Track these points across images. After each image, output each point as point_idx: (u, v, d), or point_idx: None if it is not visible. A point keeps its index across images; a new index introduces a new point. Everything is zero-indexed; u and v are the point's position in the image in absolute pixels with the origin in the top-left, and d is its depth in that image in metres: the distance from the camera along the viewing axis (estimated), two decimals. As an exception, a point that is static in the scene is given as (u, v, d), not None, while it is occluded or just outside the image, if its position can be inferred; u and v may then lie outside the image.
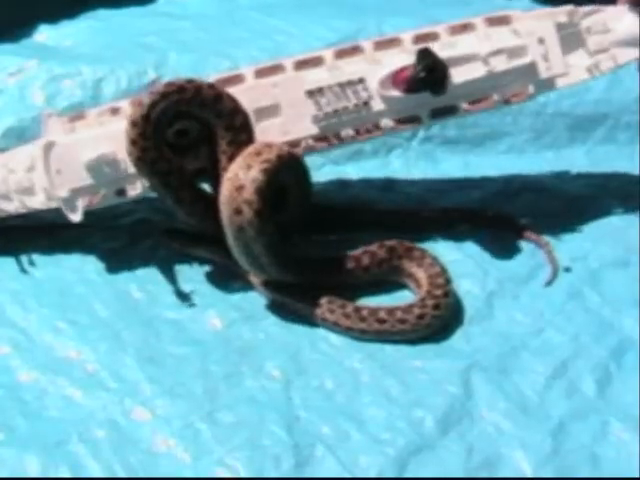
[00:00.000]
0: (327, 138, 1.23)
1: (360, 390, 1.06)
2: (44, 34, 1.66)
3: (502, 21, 1.25)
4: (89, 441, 1.00)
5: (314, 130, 1.22)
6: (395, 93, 1.21)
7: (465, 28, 1.24)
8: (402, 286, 1.21)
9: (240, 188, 1.10)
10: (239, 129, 1.16)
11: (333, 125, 1.23)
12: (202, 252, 1.20)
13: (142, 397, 1.05)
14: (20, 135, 1.38)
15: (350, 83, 1.22)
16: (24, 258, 1.23)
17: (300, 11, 1.76)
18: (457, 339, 1.13)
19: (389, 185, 1.40)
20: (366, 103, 1.22)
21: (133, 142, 1.13)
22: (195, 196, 1.17)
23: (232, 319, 1.16)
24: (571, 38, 1.26)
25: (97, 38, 1.65)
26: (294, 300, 1.16)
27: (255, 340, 1.13)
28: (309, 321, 1.15)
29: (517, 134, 1.49)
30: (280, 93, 1.21)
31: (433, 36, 1.24)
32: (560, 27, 1.25)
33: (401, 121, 1.24)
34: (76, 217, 1.17)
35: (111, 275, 1.22)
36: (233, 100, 1.17)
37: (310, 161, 1.23)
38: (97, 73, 1.47)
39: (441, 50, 1.20)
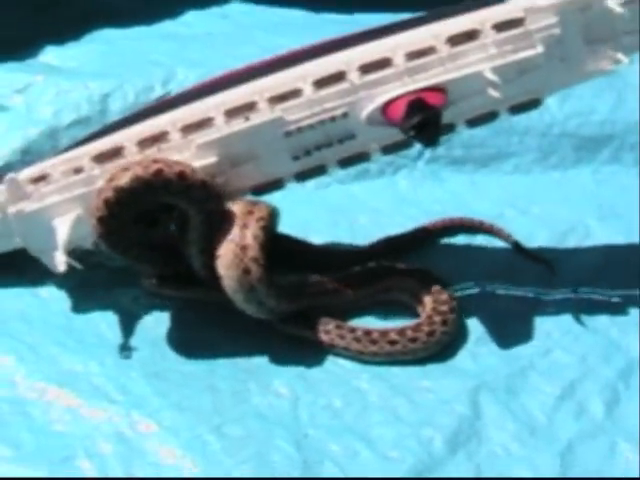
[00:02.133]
0: (310, 172, 1.15)
1: (368, 409, 1.06)
2: (49, 54, 1.66)
3: (513, 25, 1.11)
4: (96, 455, 0.99)
5: (295, 168, 1.14)
6: (384, 127, 1.11)
7: (470, 37, 1.11)
8: (393, 306, 1.20)
9: (244, 248, 1.08)
10: (211, 212, 1.10)
11: (315, 159, 1.14)
12: (195, 294, 1.18)
13: (149, 410, 1.04)
14: (26, 151, 1.37)
15: (333, 119, 1.11)
16: (29, 277, 1.21)
17: (307, 31, 1.76)
18: (464, 359, 1.13)
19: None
20: (352, 136, 1.12)
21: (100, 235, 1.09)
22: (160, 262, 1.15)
23: (239, 338, 1.15)
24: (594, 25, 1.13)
25: (103, 56, 1.65)
26: (301, 330, 1.15)
27: (262, 358, 1.12)
28: (316, 343, 1.14)
29: (523, 154, 1.48)
30: (255, 138, 1.11)
31: (429, 51, 1.11)
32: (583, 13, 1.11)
33: (390, 148, 1.16)
34: (60, 267, 1.12)
35: (117, 295, 1.21)
36: (204, 187, 1.08)
37: (316, 179, 1.23)
38: (104, 88, 1.47)
39: (437, 75, 1.10)
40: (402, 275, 1.20)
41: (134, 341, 1.14)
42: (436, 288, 1.17)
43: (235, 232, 1.09)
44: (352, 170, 1.40)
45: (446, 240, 1.33)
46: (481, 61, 1.10)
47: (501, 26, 1.11)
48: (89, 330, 1.15)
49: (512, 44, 1.10)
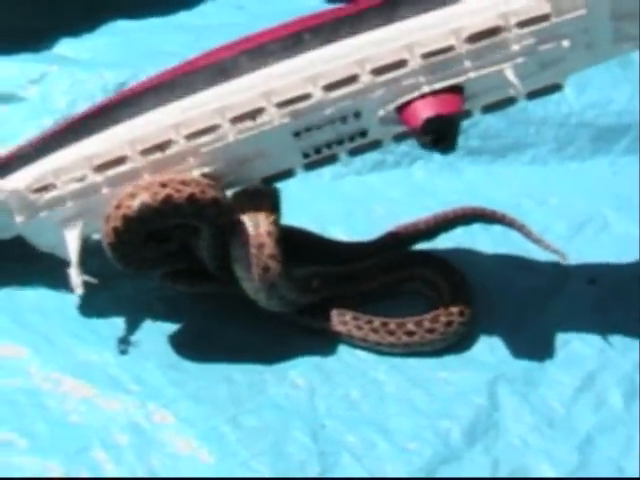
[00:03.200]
0: (320, 162, 1.12)
1: (385, 400, 1.05)
2: (64, 46, 1.66)
3: (538, 20, 1.05)
4: (111, 446, 0.99)
5: (304, 161, 1.10)
6: (399, 128, 1.08)
7: (492, 33, 1.05)
8: (411, 297, 1.20)
9: (261, 247, 1.07)
10: (223, 224, 1.08)
11: (325, 154, 1.10)
12: (210, 288, 1.17)
13: (164, 400, 1.04)
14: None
15: (344, 119, 1.07)
16: (44, 268, 1.20)
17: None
18: (482, 350, 1.12)
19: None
20: (364, 133, 1.09)
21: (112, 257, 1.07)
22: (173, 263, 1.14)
23: (255, 329, 1.14)
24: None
25: (118, 47, 1.65)
26: (318, 321, 1.14)
27: (279, 349, 1.12)
28: (333, 335, 1.14)
29: (540, 145, 1.48)
30: (263, 141, 1.07)
31: (448, 50, 1.05)
32: None
33: (402, 136, 1.11)
34: (78, 290, 1.10)
35: (132, 286, 1.20)
36: (215, 205, 1.06)
37: (332, 170, 1.22)
38: (119, 78, 1.47)
39: (455, 75, 1.05)
40: (420, 265, 1.20)
41: (149, 332, 1.14)
42: (454, 279, 1.17)
43: (248, 232, 1.08)
44: (368, 161, 1.40)
45: (460, 230, 1.33)
46: (503, 60, 1.06)
47: (526, 22, 1.05)
48: (104, 321, 1.15)
49: (536, 40, 1.05)
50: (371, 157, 1.33)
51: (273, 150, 1.09)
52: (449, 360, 1.11)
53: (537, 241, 1.29)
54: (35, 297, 1.18)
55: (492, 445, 1.00)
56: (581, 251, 1.28)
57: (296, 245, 1.19)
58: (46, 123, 1.40)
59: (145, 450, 0.99)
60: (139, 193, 1.04)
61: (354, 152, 1.11)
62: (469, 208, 1.32)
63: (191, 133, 1.07)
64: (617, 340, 1.13)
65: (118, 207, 1.04)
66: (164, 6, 1.79)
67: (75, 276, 1.10)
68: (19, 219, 1.11)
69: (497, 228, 1.34)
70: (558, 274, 1.24)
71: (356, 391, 1.06)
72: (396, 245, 1.28)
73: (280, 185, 1.13)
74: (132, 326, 1.13)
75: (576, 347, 1.12)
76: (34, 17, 1.72)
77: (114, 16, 1.78)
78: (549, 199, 1.40)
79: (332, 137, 1.09)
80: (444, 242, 1.29)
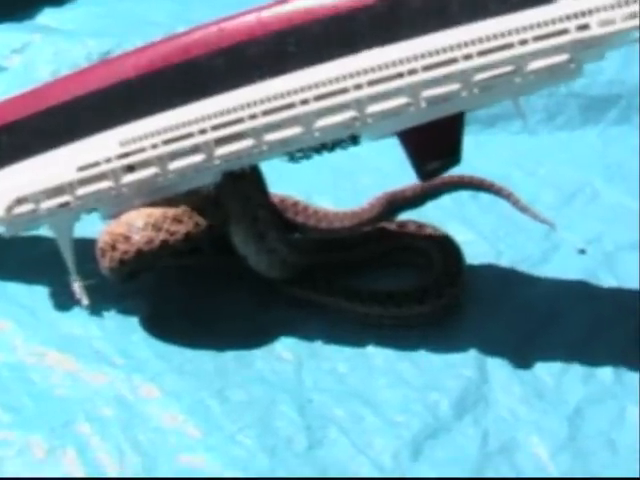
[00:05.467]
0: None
1: (373, 373, 1.04)
2: (47, 16, 1.66)
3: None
4: (96, 420, 0.98)
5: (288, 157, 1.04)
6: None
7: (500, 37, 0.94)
8: (402, 267, 1.19)
9: (247, 199, 1.08)
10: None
11: (311, 153, 1.04)
12: (197, 260, 1.16)
13: (150, 374, 1.03)
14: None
15: (338, 141, 1.02)
16: (29, 240, 1.19)
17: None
18: (471, 322, 1.11)
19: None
20: (356, 142, 1.03)
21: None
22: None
23: (242, 302, 1.13)
24: None
25: (102, 18, 1.65)
26: (306, 292, 1.13)
27: (266, 323, 1.11)
28: (321, 306, 1.13)
29: (530, 115, 1.46)
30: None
31: (449, 62, 0.95)
32: None
33: None
34: (85, 302, 1.08)
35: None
36: (211, 230, 1.06)
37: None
38: (103, 47, 1.47)
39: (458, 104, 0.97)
40: (413, 236, 1.19)
41: (135, 305, 1.12)
42: (446, 249, 1.16)
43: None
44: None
45: (448, 199, 1.32)
46: (510, 81, 0.96)
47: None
48: (89, 294, 1.12)
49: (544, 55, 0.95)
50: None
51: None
52: (438, 332, 1.09)
53: (524, 209, 1.29)
54: (18, 270, 1.17)
55: (481, 417, 1.00)
56: (571, 221, 1.28)
57: (284, 212, 1.20)
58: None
59: (131, 424, 0.98)
60: (133, 239, 1.04)
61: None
62: (456, 176, 1.32)
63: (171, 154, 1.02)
64: (607, 311, 1.13)
65: (113, 248, 1.05)
66: (150, -25, 1.78)
67: (76, 285, 1.09)
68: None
69: (485, 197, 1.34)
70: (548, 244, 1.24)
71: (343, 364, 1.05)
72: (383, 212, 1.28)
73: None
74: (117, 299, 1.12)
75: (565, 318, 1.12)
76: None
77: (98, -15, 1.76)
78: (538, 169, 1.39)
79: (322, 147, 1.04)
80: (432, 211, 1.29)
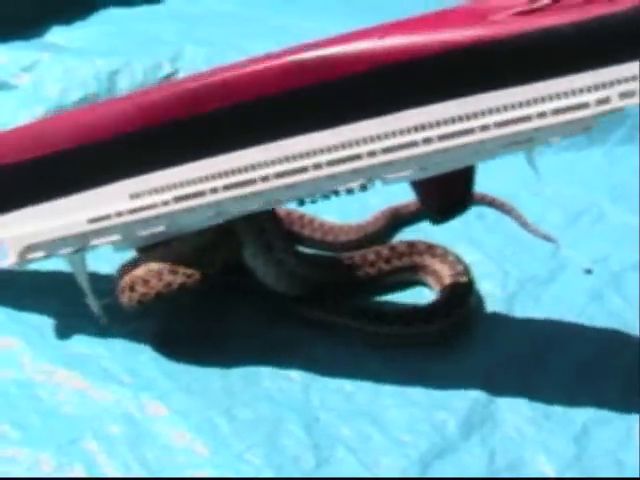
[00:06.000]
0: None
1: (380, 392, 1.04)
2: (56, 34, 1.67)
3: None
4: (104, 437, 0.98)
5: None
6: None
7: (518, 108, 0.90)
8: (410, 286, 1.20)
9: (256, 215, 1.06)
10: None
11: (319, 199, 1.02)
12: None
13: (158, 392, 1.03)
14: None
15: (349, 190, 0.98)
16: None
17: (315, 10, 1.77)
18: (478, 341, 1.12)
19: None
20: (364, 187, 0.98)
21: None
22: None
23: (250, 321, 1.14)
24: None
25: (110, 36, 1.66)
26: (314, 311, 1.14)
27: (273, 342, 1.11)
28: (328, 325, 1.13)
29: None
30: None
31: (465, 132, 0.92)
32: None
33: None
34: (104, 321, 1.10)
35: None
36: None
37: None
38: (112, 65, 1.47)
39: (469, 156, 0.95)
40: (422, 255, 1.19)
41: (142, 324, 1.12)
42: (455, 268, 1.16)
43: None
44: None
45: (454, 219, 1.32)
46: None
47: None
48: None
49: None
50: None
51: None
52: (445, 351, 1.10)
53: (525, 225, 1.29)
54: (28, 289, 1.17)
55: (488, 437, 1.00)
56: (577, 241, 1.28)
57: (290, 224, 1.21)
58: (38, 111, 1.39)
59: (138, 442, 0.98)
60: (151, 281, 1.05)
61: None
62: None
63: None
64: (614, 330, 1.12)
65: (132, 289, 1.06)
66: (157, -7, 1.79)
67: (94, 306, 1.09)
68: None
69: (491, 217, 1.34)
70: (554, 264, 1.24)
71: (350, 383, 1.05)
72: (387, 225, 1.29)
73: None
74: (125, 319, 1.11)
75: (572, 338, 1.12)
76: (25, 5, 1.71)
77: (106, 4, 1.77)
78: (544, 189, 1.39)
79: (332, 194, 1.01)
80: (439, 231, 1.28)
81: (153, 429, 0.99)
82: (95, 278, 1.10)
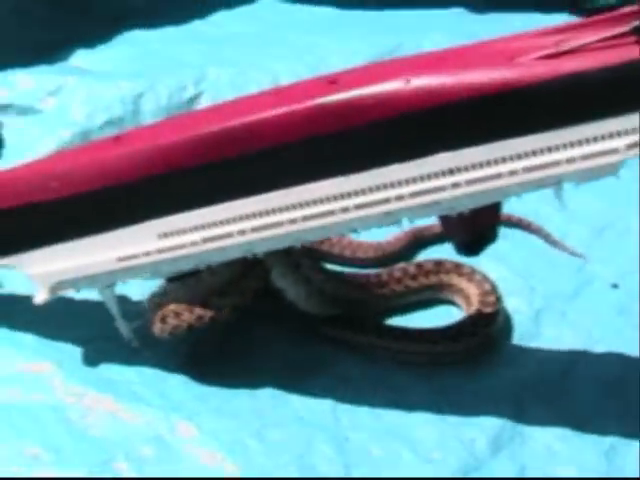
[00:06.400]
0: None
1: (409, 410, 1.04)
2: (80, 58, 1.68)
3: None
4: (135, 459, 0.99)
5: None
6: None
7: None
8: (438, 304, 1.20)
9: None
10: None
11: None
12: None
13: (188, 413, 1.04)
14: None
15: None
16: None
17: (337, 29, 1.77)
18: (507, 358, 1.12)
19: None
20: None
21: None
22: None
23: (277, 342, 1.14)
24: None
25: (134, 58, 1.66)
26: (342, 331, 1.14)
27: (302, 361, 1.12)
28: (355, 345, 1.13)
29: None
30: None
31: (493, 177, 0.90)
32: None
33: None
34: (134, 344, 1.11)
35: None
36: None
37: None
38: (136, 89, 1.48)
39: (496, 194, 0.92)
40: (450, 274, 1.19)
41: (172, 348, 1.13)
42: (482, 287, 1.17)
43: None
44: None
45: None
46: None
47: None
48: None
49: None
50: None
51: None
52: (474, 368, 1.10)
53: (554, 243, 1.29)
54: (59, 314, 1.18)
55: (518, 453, 1.00)
56: (603, 256, 1.28)
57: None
58: (63, 135, 1.41)
59: (169, 462, 0.98)
60: (183, 314, 1.07)
61: None
62: None
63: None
64: (641, 345, 1.12)
65: (164, 322, 1.08)
66: (179, 16, 1.80)
67: (124, 330, 1.10)
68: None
69: (517, 234, 1.33)
70: (580, 279, 1.24)
71: (379, 402, 1.05)
72: (408, 246, 1.29)
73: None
74: (155, 342, 1.11)
75: (599, 353, 1.11)
76: (50, 29, 1.73)
77: (129, 27, 1.78)
78: (568, 204, 1.38)
79: None
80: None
81: (184, 450, 1.00)
82: (124, 300, 1.11)
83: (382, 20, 1.85)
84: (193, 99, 1.49)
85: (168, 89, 1.48)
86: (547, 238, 1.30)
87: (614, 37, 0.86)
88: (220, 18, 1.86)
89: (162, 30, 1.80)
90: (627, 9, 0.88)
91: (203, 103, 1.50)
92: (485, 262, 1.23)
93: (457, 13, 1.85)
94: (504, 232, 1.31)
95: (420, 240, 1.31)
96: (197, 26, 1.82)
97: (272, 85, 1.47)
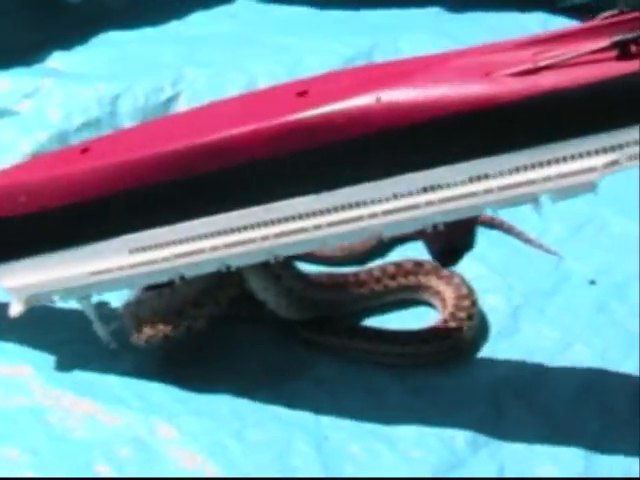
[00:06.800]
0: None
1: (389, 410, 1.05)
2: (56, 59, 1.67)
3: None
4: (115, 461, 0.98)
5: None
6: None
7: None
8: (414, 305, 1.20)
9: None
10: None
11: None
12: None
13: (168, 415, 1.03)
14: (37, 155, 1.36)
15: None
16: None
17: (314, 30, 1.77)
18: (484, 356, 1.12)
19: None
20: None
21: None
22: None
23: (257, 344, 1.14)
24: None
25: (111, 60, 1.66)
26: (321, 334, 1.14)
27: (281, 363, 1.12)
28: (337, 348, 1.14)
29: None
30: None
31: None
32: None
33: None
34: (113, 345, 1.10)
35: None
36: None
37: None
38: (114, 90, 1.47)
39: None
40: (428, 274, 1.19)
41: (151, 350, 1.12)
42: (459, 290, 1.17)
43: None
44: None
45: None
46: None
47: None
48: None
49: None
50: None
51: None
52: (452, 367, 1.10)
53: (529, 241, 1.29)
54: (37, 317, 1.17)
55: (497, 452, 1.00)
56: (580, 252, 1.28)
57: None
58: (40, 137, 1.40)
59: (149, 464, 0.98)
60: (158, 325, 1.07)
61: None
62: None
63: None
64: (620, 341, 1.13)
65: (139, 331, 1.07)
66: (156, 17, 1.79)
67: (102, 332, 1.09)
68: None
69: (494, 232, 1.33)
70: (558, 276, 1.24)
71: (359, 402, 1.06)
72: (378, 245, 1.28)
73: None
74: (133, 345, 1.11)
75: (578, 350, 1.12)
76: (26, 31, 1.72)
77: (106, 28, 1.78)
78: (545, 202, 1.39)
79: None
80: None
81: (164, 452, 1.00)
82: (102, 304, 1.11)
83: (359, 20, 1.85)
84: (170, 100, 1.49)
85: (145, 90, 1.47)
86: (520, 236, 1.31)
87: (593, 52, 0.84)
88: (197, 18, 1.85)
89: (139, 31, 1.79)
90: (606, 16, 0.86)
91: (181, 104, 1.50)
92: (463, 260, 1.23)
93: (434, 12, 1.85)
94: (481, 230, 1.32)
95: (394, 239, 1.31)
96: (174, 26, 1.81)
97: (249, 86, 1.47)
